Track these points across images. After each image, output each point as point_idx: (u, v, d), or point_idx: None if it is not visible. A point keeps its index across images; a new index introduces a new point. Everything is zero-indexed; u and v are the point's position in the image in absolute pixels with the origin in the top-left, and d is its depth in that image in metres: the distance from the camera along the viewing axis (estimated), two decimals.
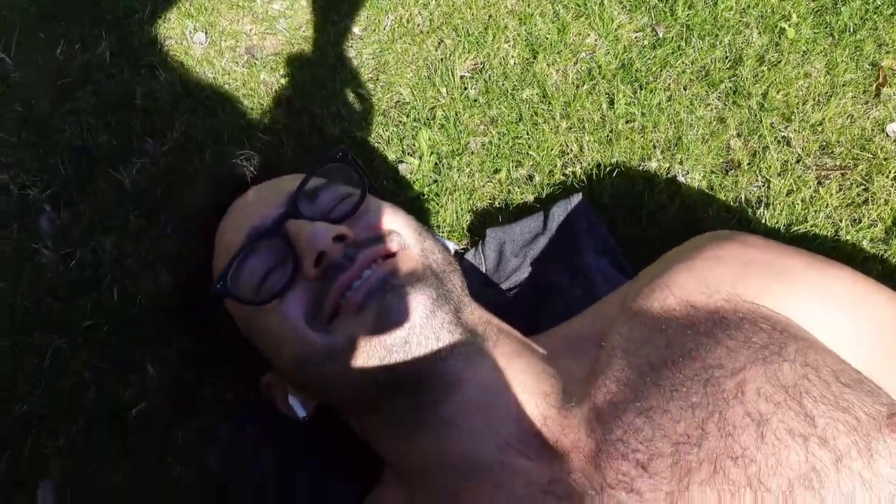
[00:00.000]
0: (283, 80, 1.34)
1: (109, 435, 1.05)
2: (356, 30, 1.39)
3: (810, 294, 0.70)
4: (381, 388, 0.70)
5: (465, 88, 1.29)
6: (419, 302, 0.69)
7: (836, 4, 1.29)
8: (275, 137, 1.27)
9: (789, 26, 1.27)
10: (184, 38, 1.41)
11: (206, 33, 1.41)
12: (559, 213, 1.07)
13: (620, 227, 1.12)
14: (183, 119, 1.30)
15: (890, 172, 1.13)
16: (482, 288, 1.04)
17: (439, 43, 1.36)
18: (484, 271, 1.06)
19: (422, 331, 0.68)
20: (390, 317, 0.68)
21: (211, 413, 1.05)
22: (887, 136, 1.17)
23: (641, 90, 1.24)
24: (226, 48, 1.40)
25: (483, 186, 1.20)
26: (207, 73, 1.36)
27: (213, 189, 0.91)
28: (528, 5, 1.37)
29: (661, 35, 1.29)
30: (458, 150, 1.23)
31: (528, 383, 0.71)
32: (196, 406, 1.06)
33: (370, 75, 1.34)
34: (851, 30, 1.26)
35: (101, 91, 1.33)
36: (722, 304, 0.68)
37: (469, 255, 1.08)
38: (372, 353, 0.68)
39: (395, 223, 0.77)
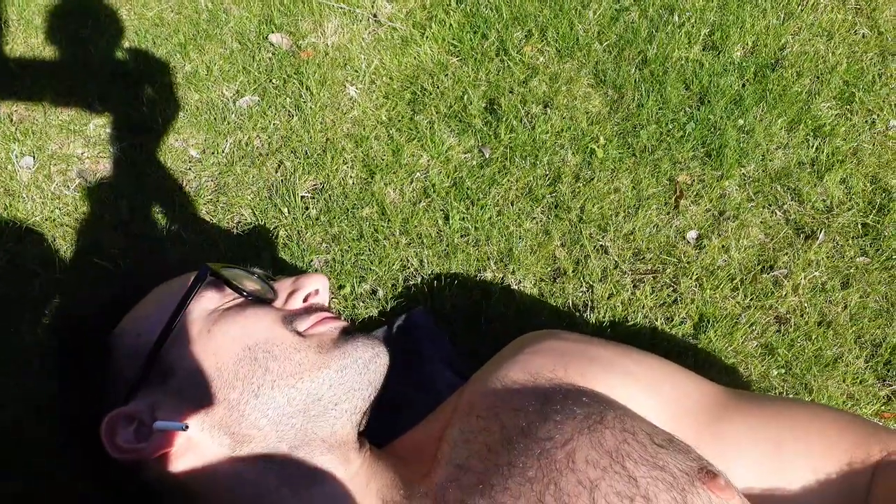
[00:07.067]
0: (119, 204, 1.32)
1: None
2: (194, 153, 1.41)
3: (619, 375, 0.79)
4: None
5: (307, 208, 1.33)
6: None
7: (635, 128, 1.46)
8: (111, 262, 1.24)
9: (598, 147, 1.42)
10: (9, 161, 1.36)
11: (34, 157, 1.37)
12: (402, 326, 1.11)
13: (462, 336, 1.18)
14: (8, 247, 1.24)
15: (693, 274, 1.27)
16: None
17: (279, 165, 1.40)
18: None
19: None
20: None
21: None
22: (688, 242, 1.32)
23: (473, 206, 1.33)
24: (55, 172, 1.36)
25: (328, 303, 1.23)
26: (35, 199, 1.31)
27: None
28: (364, 129, 1.44)
29: (487, 156, 1.40)
30: (301, 267, 1.26)
31: (374, 487, 0.75)
32: None
33: (210, 197, 1.35)
34: (650, 150, 1.43)
35: None
36: (544, 385, 0.75)
37: None
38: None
39: None
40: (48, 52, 1.56)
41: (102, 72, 1.53)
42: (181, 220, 1.31)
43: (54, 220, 1.29)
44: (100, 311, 0.87)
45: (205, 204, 1.34)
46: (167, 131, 1.43)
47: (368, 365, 0.79)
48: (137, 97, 1.48)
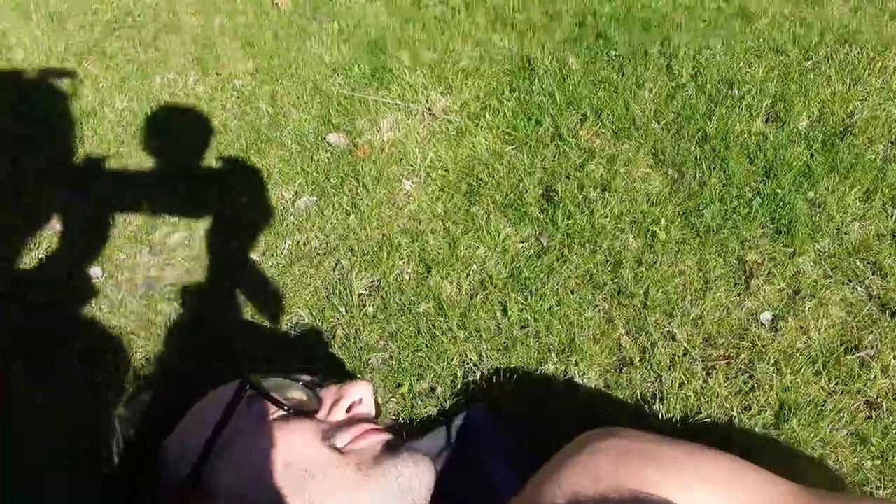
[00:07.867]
0: (181, 310, 1.35)
1: None
2: (255, 255, 1.43)
3: (686, 478, 0.73)
4: None
5: (364, 306, 1.32)
6: None
7: (698, 207, 1.41)
8: (174, 367, 1.26)
9: (660, 229, 1.37)
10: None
11: (102, 268, 1.42)
12: (461, 425, 1.07)
13: (524, 433, 1.12)
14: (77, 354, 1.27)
15: (770, 359, 1.19)
16: None
17: (336, 264, 1.40)
18: None
19: None
20: None
21: None
22: (762, 324, 1.25)
23: (532, 297, 1.29)
24: (123, 281, 1.40)
25: (386, 402, 1.20)
26: (103, 308, 1.35)
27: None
28: (419, 223, 1.44)
29: (545, 244, 1.38)
30: (359, 367, 1.24)
31: None
32: None
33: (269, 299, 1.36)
34: (715, 229, 1.37)
35: None
36: (606, 490, 0.70)
37: None
38: None
39: None
40: (119, 164, 1.64)
41: (169, 180, 1.59)
42: (241, 324, 1.32)
43: (120, 328, 1.32)
44: (158, 418, 0.88)
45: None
46: (229, 236, 1.46)
47: (410, 483, 0.76)
48: (201, 204, 1.52)
